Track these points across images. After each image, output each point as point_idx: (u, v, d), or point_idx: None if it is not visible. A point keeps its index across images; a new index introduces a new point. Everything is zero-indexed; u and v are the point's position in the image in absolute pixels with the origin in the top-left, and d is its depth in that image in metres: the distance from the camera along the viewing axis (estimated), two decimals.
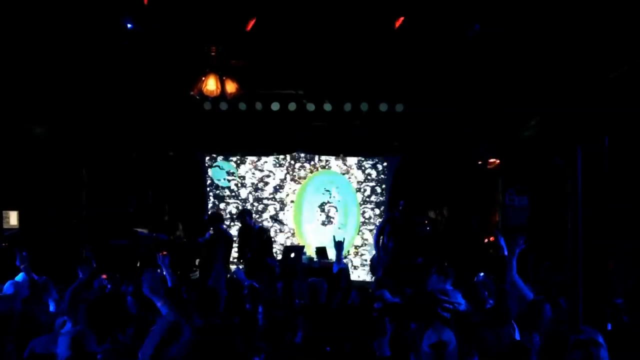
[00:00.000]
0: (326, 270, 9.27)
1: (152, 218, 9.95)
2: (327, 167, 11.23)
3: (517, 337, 4.44)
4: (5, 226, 9.19)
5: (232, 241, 9.52)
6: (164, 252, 9.01)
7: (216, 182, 11.15)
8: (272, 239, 10.10)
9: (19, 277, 6.05)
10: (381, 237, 9.28)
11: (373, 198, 11.20)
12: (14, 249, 5.68)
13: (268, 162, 11.16)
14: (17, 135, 9.03)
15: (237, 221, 10.54)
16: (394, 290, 6.14)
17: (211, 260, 9.10)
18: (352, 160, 11.20)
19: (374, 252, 9.75)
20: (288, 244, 10.86)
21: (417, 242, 8.92)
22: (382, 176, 11.16)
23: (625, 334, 4.65)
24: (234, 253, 10.00)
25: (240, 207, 10.91)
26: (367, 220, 11.17)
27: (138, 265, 9.20)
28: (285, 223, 11.01)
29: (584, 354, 3.52)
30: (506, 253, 6.64)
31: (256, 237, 9.27)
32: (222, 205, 11.11)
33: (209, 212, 10.35)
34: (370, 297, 5.90)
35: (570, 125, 7.03)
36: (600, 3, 6.19)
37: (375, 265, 9.73)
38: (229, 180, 11.17)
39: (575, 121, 6.82)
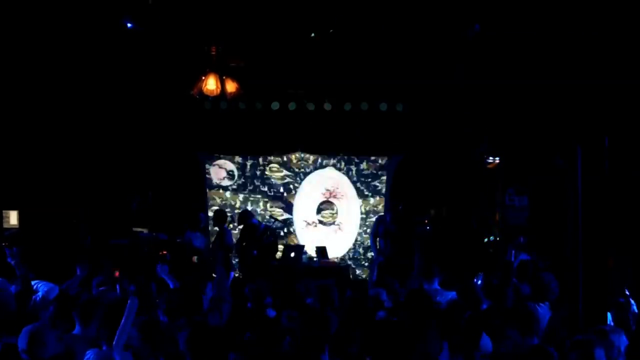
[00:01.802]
0: (327, 270, 9.30)
1: (152, 218, 9.94)
2: (327, 166, 11.22)
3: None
4: (5, 226, 9.18)
5: (232, 246, 9.53)
6: (164, 252, 9.04)
7: (216, 182, 11.14)
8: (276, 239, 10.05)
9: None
10: (377, 238, 9.30)
11: (373, 197, 11.19)
12: (3, 247, 5.67)
13: (268, 161, 11.15)
14: (17, 135, 9.03)
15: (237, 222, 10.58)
16: (391, 290, 6.15)
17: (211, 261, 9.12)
18: (352, 160, 11.19)
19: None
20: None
21: (412, 242, 8.91)
22: (382, 176, 11.15)
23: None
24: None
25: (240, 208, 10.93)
26: (367, 220, 11.15)
27: (138, 265, 9.18)
28: (284, 223, 10.99)
29: (582, 354, 3.52)
30: (513, 258, 6.65)
31: (261, 236, 9.25)
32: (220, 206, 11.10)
33: (214, 210, 10.29)
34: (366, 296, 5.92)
35: (570, 125, 7.03)
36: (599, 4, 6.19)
37: (373, 266, 9.76)
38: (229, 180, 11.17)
39: (575, 121, 6.81)
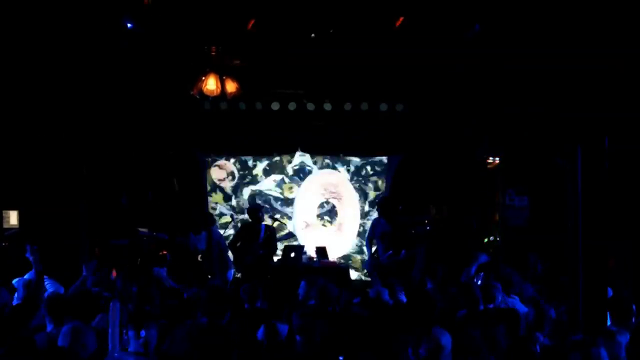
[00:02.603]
0: (327, 270, 9.29)
1: (152, 218, 9.93)
2: (326, 166, 11.22)
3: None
4: (5, 226, 9.19)
5: (225, 249, 9.52)
6: (164, 252, 9.05)
7: (216, 182, 11.15)
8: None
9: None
10: (372, 241, 9.30)
11: (373, 198, 11.19)
12: (25, 244, 5.71)
13: (268, 161, 11.15)
14: (17, 135, 9.03)
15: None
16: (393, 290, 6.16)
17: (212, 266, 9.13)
18: (352, 160, 11.18)
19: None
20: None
21: (408, 243, 8.93)
22: (382, 176, 11.15)
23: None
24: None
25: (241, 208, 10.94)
26: (367, 220, 11.15)
27: (139, 265, 9.19)
28: (285, 223, 10.98)
29: (583, 354, 3.52)
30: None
31: (267, 237, 9.19)
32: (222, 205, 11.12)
33: (203, 213, 10.29)
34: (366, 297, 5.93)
35: (571, 125, 7.03)
36: (599, 6, 6.20)
37: (369, 267, 9.78)
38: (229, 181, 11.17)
39: (575, 121, 6.81)
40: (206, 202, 10.99)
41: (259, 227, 9.29)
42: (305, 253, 10.02)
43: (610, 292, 5.73)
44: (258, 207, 9.78)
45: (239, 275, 9.81)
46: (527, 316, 5.05)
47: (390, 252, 8.93)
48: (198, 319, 4.92)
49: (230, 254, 9.67)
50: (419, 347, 3.65)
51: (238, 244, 9.44)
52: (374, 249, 9.38)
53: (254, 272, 8.73)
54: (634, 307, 5.42)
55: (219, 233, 9.85)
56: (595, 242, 5.26)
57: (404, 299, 5.98)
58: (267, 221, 10.04)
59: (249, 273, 9.00)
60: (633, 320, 5.10)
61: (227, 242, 9.73)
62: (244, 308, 5.66)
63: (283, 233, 10.44)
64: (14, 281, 6.03)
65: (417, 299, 4.98)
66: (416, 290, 6.19)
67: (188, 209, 10.40)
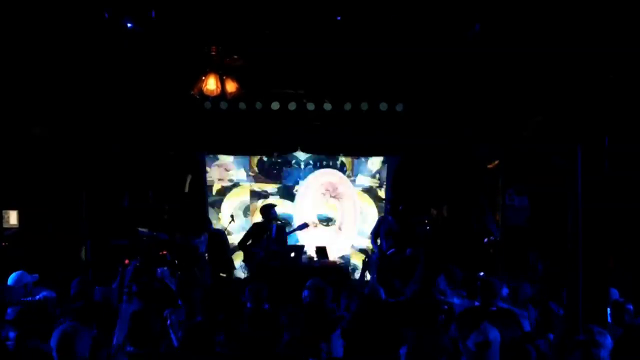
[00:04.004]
0: (327, 270, 9.29)
1: (152, 218, 9.93)
2: (326, 166, 11.22)
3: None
4: (5, 226, 9.19)
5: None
6: (164, 252, 9.04)
7: (217, 182, 11.15)
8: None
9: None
10: (377, 238, 9.31)
11: (373, 198, 11.19)
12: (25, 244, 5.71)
13: (268, 161, 11.16)
14: (17, 135, 9.04)
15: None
16: (390, 289, 6.17)
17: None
18: (352, 160, 11.19)
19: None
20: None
21: (413, 242, 8.94)
22: (382, 176, 11.16)
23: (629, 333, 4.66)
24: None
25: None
26: (367, 220, 11.16)
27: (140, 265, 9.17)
28: (284, 222, 10.99)
29: (584, 354, 3.53)
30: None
31: (277, 236, 9.13)
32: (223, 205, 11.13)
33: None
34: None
35: (570, 125, 7.04)
36: (599, 5, 6.20)
37: (371, 265, 9.77)
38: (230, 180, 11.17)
39: (575, 121, 6.82)
40: (206, 203, 10.99)
41: (271, 226, 9.27)
42: (305, 253, 10.02)
43: (616, 294, 5.75)
44: (270, 205, 9.76)
45: (241, 275, 9.82)
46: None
47: (393, 250, 8.95)
48: (196, 318, 4.94)
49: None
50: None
51: (248, 242, 9.39)
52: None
53: (262, 271, 8.68)
54: (631, 307, 5.44)
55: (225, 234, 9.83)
56: (595, 242, 5.27)
57: (402, 297, 5.99)
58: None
59: (259, 270, 8.91)
60: (627, 318, 5.13)
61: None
62: (244, 308, 5.67)
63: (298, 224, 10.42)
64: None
65: (421, 297, 4.99)
66: (421, 289, 6.20)
67: (188, 209, 10.40)
